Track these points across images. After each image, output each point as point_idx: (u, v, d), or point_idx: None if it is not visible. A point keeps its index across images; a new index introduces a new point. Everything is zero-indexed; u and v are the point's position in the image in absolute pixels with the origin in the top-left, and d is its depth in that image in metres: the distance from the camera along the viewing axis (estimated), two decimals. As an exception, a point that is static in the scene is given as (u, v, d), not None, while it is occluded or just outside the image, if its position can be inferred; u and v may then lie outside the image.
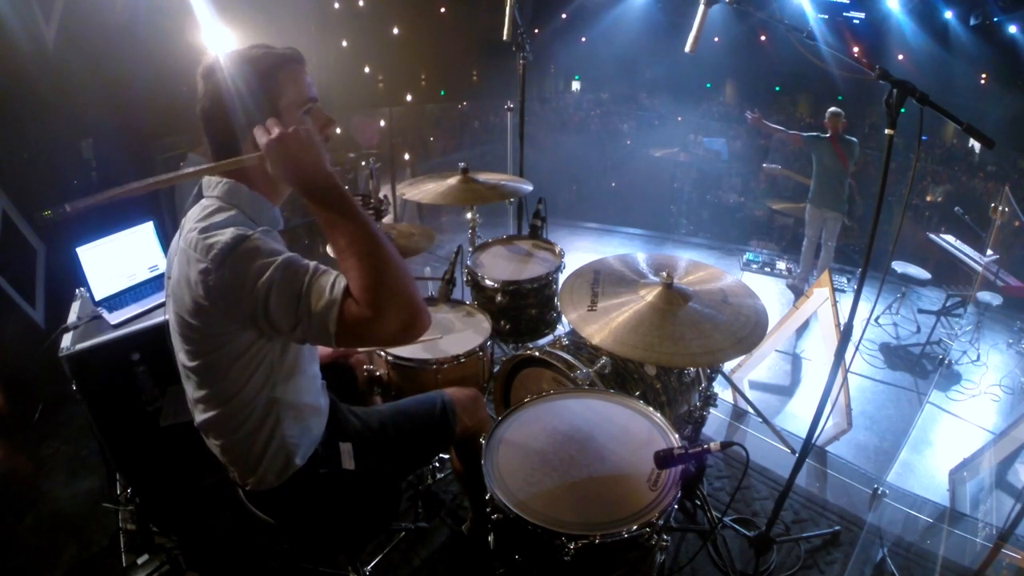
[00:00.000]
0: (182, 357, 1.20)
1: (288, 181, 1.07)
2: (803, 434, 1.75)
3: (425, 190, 2.49)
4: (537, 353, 2.00)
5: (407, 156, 8.68)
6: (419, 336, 1.05)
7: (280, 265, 1.01)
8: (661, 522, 1.29)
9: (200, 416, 1.25)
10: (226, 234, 1.05)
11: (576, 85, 16.02)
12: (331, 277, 1.02)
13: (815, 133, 4.74)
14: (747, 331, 1.61)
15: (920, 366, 4.07)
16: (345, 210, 1.04)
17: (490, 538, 1.43)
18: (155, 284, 2.31)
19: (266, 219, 1.18)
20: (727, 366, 2.83)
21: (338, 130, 1.26)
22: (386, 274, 0.99)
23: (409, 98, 11.01)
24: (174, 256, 1.18)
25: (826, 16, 11.12)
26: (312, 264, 1.04)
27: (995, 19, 9.67)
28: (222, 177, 1.17)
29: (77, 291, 2.26)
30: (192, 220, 1.13)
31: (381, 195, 2.27)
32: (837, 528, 2.21)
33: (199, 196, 1.21)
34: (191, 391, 1.24)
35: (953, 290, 4.45)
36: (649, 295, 1.72)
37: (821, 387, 1.67)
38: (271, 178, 1.15)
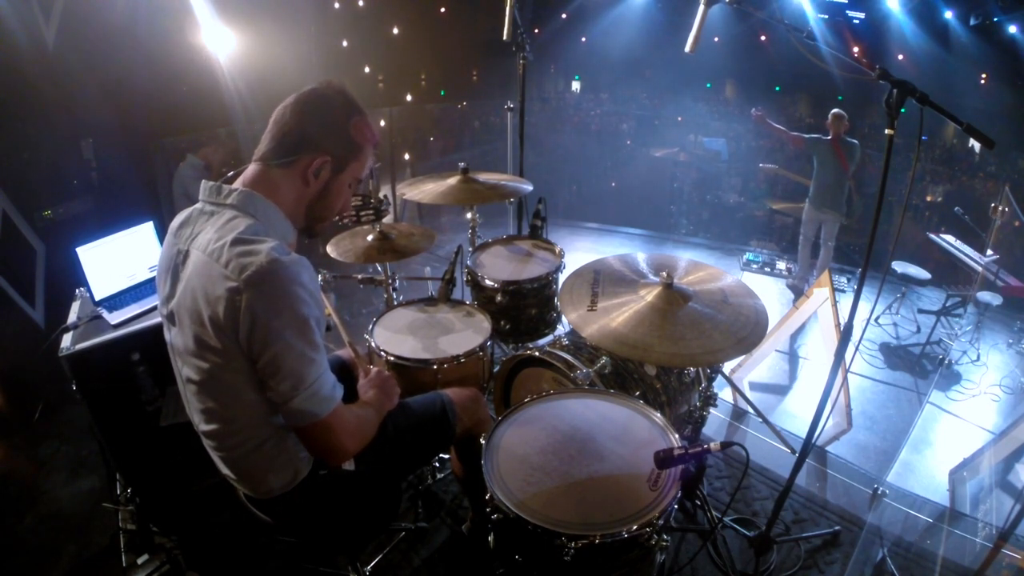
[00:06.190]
0: (187, 371, 1.17)
1: (384, 407, 1.39)
2: (803, 434, 1.75)
3: (425, 190, 2.49)
4: (537, 353, 2.00)
5: (407, 156, 8.66)
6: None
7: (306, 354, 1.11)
8: (661, 522, 1.29)
9: (202, 427, 1.23)
10: (261, 254, 1.05)
11: (576, 85, 16.01)
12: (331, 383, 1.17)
13: (816, 135, 4.73)
14: (747, 331, 1.61)
15: (920, 366, 4.07)
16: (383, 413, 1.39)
17: (490, 538, 1.43)
18: (155, 284, 2.31)
19: (279, 231, 1.18)
20: (727, 366, 2.83)
21: None
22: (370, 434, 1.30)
23: (409, 98, 11.01)
24: (179, 266, 1.15)
25: (826, 16, 11.13)
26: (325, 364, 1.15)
27: (995, 19, 9.67)
28: (237, 186, 1.16)
29: (77, 291, 2.25)
30: (212, 229, 1.11)
31: (381, 195, 2.27)
32: (837, 528, 2.21)
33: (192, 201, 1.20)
34: (193, 403, 1.22)
35: (953, 290, 4.45)
36: (649, 295, 1.72)
37: (821, 387, 1.67)
38: (300, 197, 1.21)
